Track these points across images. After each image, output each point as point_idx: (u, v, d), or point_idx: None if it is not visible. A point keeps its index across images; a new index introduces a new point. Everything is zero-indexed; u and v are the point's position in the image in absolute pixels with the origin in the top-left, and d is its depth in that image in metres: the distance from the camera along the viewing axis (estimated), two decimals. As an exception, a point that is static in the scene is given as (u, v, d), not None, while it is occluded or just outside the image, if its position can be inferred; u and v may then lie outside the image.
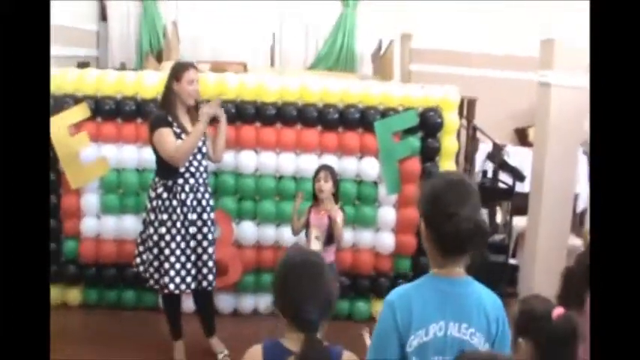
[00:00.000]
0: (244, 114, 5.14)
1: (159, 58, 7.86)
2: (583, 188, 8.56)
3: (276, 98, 5.19)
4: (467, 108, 6.42)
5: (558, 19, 7.67)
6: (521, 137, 9.10)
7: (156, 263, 4.40)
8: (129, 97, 5.12)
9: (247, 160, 5.13)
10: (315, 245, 4.51)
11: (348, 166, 5.20)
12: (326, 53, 8.77)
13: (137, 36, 8.32)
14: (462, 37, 9.08)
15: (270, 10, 8.64)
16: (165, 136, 4.27)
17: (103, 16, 8.74)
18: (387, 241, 5.30)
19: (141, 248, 4.54)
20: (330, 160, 5.14)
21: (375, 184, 5.28)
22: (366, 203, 5.28)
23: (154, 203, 4.37)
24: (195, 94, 4.39)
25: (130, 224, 5.16)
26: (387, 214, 5.29)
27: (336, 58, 8.73)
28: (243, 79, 5.29)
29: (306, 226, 4.62)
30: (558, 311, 2.51)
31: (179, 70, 4.37)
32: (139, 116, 5.11)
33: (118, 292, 5.32)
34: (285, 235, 5.06)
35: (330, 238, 4.58)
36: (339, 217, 4.45)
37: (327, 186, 4.49)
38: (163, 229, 4.36)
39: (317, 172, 4.58)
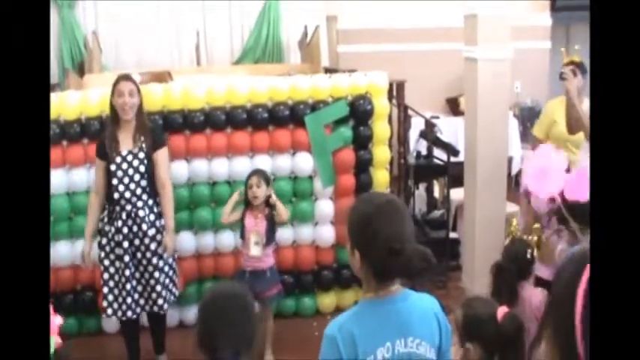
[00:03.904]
0: (172, 124, 5.10)
1: (81, 70, 7.71)
2: (515, 151, 8.79)
3: (204, 104, 5.17)
4: (396, 91, 6.48)
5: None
6: (453, 107, 9.23)
7: (115, 290, 4.40)
8: (52, 121, 4.93)
9: (179, 170, 5.09)
10: (256, 250, 4.57)
11: (281, 164, 5.22)
12: (252, 45, 8.70)
13: (57, 49, 8.11)
14: (386, 15, 9.14)
15: (193, 8, 8.53)
16: (96, 169, 4.41)
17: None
18: (326, 234, 5.35)
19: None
20: (263, 160, 5.17)
21: (311, 178, 5.31)
22: (302, 199, 5.32)
23: (99, 226, 4.41)
24: (128, 107, 4.31)
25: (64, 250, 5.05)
26: (325, 207, 5.34)
27: (263, 49, 8.67)
28: (169, 88, 5.24)
29: (242, 231, 4.65)
30: (502, 311, 2.58)
31: (113, 84, 4.36)
32: (63, 139, 4.99)
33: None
34: (225, 241, 5.10)
35: (269, 239, 4.64)
36: (279, 204, 4.64)
37: (260, 191, 4.54)
38: (102, 254, 4.37)
39: (248, 178, 4.62)
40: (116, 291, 4.36)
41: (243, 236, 4.67)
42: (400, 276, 2.10)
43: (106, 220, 4.36)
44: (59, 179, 4.95)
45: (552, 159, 3.25)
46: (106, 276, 4.38)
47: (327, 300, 5.48)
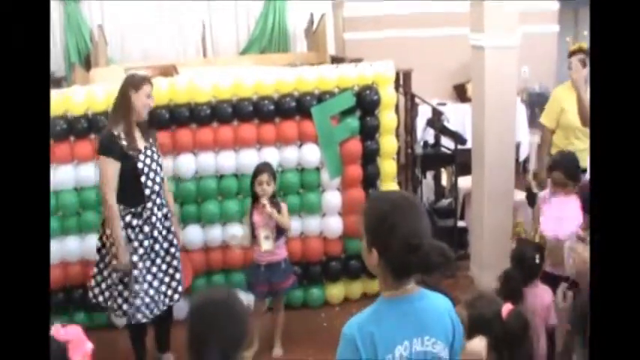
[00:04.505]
0: (179, 117, 5.11)
1: (87, 64, 7.73)
2: (523, 137, 8.78)
3: (210, 97, 5.17)
4: (403, 80, 6.46)
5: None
6: (460, 93, 9.20)
7: (125, 293, 4.31)
8: (59, 117, 4.94)
9: (186, 164, 5.11)
10: (267, 245, 4.59)
11: (288, 155, 5.23)
12: (258, 35, 8.70)
13: (63, 43, 8.13)
14: (391, 1, 9.09)
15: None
16: (105, 167, 4.21)
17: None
18: (334, 225, 5.36)
19: (99, 278, 4.47)
20: (270, 152, 5.18)
21: (318, 169, 5.32)
22: (310, 190, 5.33)
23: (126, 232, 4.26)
24: (149, 108, 4.34)
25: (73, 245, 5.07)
26: (332, 198, 5.34)
27: (269, 39, 8.67)
28: (174, 82, 5.24)
29: (252, 226, 4.66)
30: (507, 309, 2.58)
31: (139, 81, 4.29)
32: (70, 135, 5.01)
33: (68, 316, 5.10)
34: (236, 233, 5.12)
35: (279, 232, 4.65)
36: (284, 211, 4.60)
37: (269, 189, 4.56)
38: (135, 257, 4.28)
39: (257, 173, 4.62)
40: (151, 291, 4.32)
41: (252, 233, 4.67)
42: (419, 272, 2.11)
43: (135, 220, 4.27)
44: (67, 175, 4.96)
45: (567, 210, 3.33)
46: (136, 273, 4.28)
47: (336, 291, 5.49)
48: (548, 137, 5.43)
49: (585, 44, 5.12)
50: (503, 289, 3.53)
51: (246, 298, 4.94)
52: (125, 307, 4.32)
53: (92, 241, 4.72)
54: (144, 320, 4.34)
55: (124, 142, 4.21)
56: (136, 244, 4.26)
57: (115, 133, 4.22)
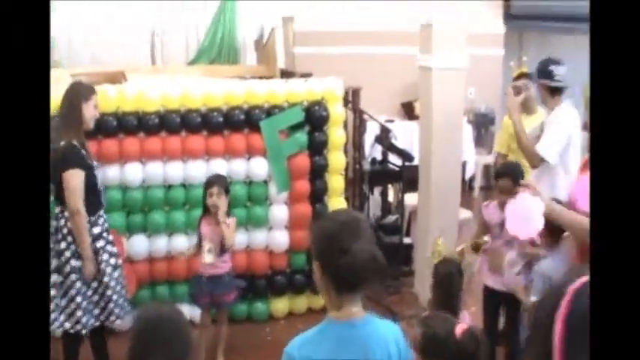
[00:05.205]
0: (127, 126, 5.05)
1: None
2: (469, 156, 8.95)
3: (158, 107, 5.12)
4: (352, 96, 6.50)
5: (435, 1, 7.90)
6: (408, 111, 9.32)
7: (62, 302, 4.19)
8: None
9: (133, 173, 5.05)
10: (209, 258, 4.55)
11: (236, 168, 5.21)
12: (207, 46, 8.65)
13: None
14: (342, 17, 9.18)
15: (148, 6, 8.44)
16: (75, 180, 4.09)
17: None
18: (280, 238, 5.36)
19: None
20: (218, 164, 5.15)
21: (265, 183, 5.31)
22: (257, 203, 5.32)
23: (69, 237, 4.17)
24: (95, 118, 4.30)
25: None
26: (280, 212, 5.34)
27: (219, 50, 8.63)
28: (123, 90, 5.18)
29: (199, 236, 4.63)
30: (461, 328, 2.59)
31: (89, 92, 4.23)
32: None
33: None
34: (179, 245, 5.08)
35: (224, 246, 4.62)
36: (231, 227, 4.57)
37: (220, 201, 4.53)
38: (75, 262, 4.17)
39: (208, 185, 4.59)
40: (85, 303, 4.22)
41: (199, 243, 4.63)
42: (348, 276, 2.08)
43: (94, 229, 4.20)
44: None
45: (530, 206, 3.41)
46: (79, 285, 4.18)
47: (280, 305, 5.48)
48: (499, 162, 5.59)
49: (526, 67, 5.28)
50: (442, 293, 3.56)
51: (192, 312, 4.90)
52: (62, 317, 4.21)
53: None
54: (83, 331, 4.24)
55: (84, 152, 4.18)
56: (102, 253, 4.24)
57: (74, 143, 4.14)
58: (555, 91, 4.67)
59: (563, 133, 4.60)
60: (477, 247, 4.38)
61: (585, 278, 1.50)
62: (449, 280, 3.61)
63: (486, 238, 4.40)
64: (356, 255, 2.04)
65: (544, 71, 4.69)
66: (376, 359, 2.14)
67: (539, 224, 3.41)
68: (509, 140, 5.29)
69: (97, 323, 4.32)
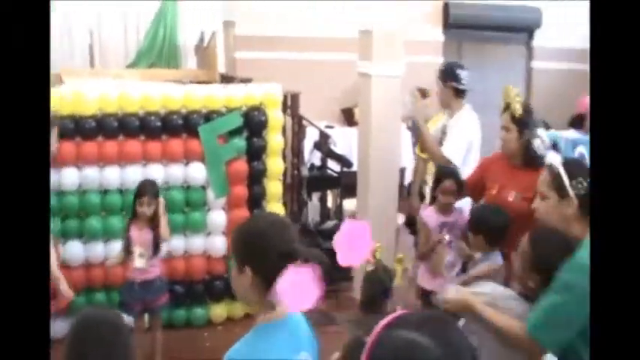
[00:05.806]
0: (63, 129, 4.94)
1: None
2: (408, 162, 9.05)
3: (96, 110, 5.06)
4: (291, 102, 6.54)
5: (375, 9, 7.97)
6: (348, 117, 9.39)
7: None
8: None
9: (69, 177, 4.96)
10: (140, 263, 4.51)
11: (174, 173, 5.18)
12: (147, 48, 8.57)
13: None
14: (283, 23, 9.21)
15: (87, 7, 8.31)
16: None
17: None
18: (218, 244, 5.35)
19: None
20: (155, 168, 5.11)
21: (203, 188, 5.29)
22: (195, 208, 5.29)
23: None
24: None
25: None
26: (217, 217, 5.33)
27: (159, 53, 8.56)
28: (60, 92, 5.09)
29: (127, 243, 4.57)
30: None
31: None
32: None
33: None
34: (115, 251, 4.99)
35: (155, 250, 4.59)
36: (162, 223, 4.59)
37: (150, 210, 4.51)
38: None
39: (139, 192, 4.55)
40: None
41: (128, 248, 4.58)
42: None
43: None
44: None
45: (354, 232, 3.44)
46: None
47: (219, 310, 5.46)
48: (421, 166, 5.74)
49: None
50: (368, 293, 3.60)
51: (128, 319, 4.84)
52: None
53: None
54: None
55: None
56: None
57: None
58: (460, 94, 4.84)
59: (467, 136, 4.75)
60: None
61: (396, 314, 1.51)
62: (376, 283, 3.65)
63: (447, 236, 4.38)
64: (307, 259, 2.01)
65: (451, 74, 4.86)
66: (307, 347, 2.20)
67: (366, 247, 3.46)
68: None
69: None
